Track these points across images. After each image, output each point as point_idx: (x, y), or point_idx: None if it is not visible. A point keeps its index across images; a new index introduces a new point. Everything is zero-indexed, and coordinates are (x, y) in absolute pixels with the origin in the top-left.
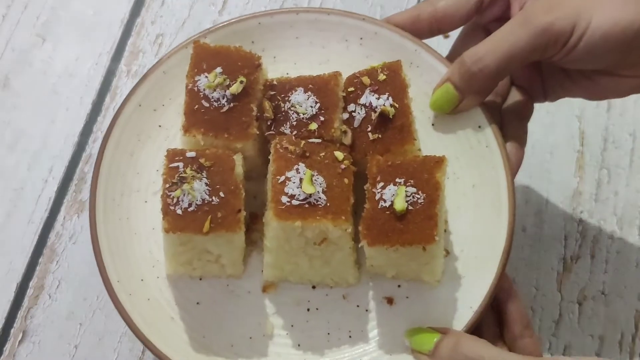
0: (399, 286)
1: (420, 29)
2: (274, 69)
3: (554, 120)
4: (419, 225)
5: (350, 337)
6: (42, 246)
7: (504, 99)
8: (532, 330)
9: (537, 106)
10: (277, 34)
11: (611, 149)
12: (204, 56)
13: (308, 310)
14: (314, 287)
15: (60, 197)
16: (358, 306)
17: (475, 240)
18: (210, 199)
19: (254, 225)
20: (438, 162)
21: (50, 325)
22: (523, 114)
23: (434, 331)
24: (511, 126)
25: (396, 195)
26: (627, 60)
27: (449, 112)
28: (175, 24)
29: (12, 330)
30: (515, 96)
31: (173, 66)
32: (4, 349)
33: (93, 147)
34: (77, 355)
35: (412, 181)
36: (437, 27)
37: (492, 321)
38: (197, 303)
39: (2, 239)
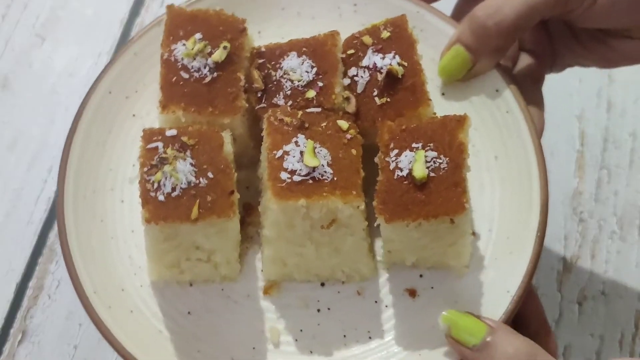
0: (420, 276)
1: None
2: (250, 35)
3: (554, 120)
4: (444, 194)
5: (370, 337)
6: (41, 246)
7: (514, 64)
8: (549, 327)
9: None
10: (261, 5)
11: (611, 149)
12: (180, 22)
13: (318, 311)
14: (322, 284)
15: None
16: (376, 302)
17: (504, 218)
18: (197, 181)
19: (248, 218)
20: (460, 121)
21: (49, 326)
22: (537, 77)
23: (480, 319)
24: (527, 90)
25: (414, 162)
26: None
27: (461, 79)
28: None
29: (11, 331)
30: (525, 60)
31: (145, 47)
32: (4, 349)
33: None
34: (77, 355)
35: (431, 145)
36: None
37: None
38: (189, 313)
39: (1, 239)
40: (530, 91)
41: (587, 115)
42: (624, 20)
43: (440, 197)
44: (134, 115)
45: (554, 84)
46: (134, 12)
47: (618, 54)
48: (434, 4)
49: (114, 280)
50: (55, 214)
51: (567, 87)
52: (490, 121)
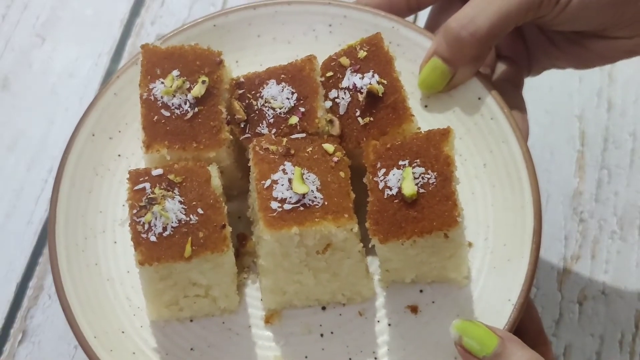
0: (420, 291)
1: (397, 6)
2: (238, 74)
3: (554, 120)
4: (436, 209)
5: (376, 358)
6: (41, 246)
7: (492, 71)
8: (546, 337)
9: (537, 106)
10: (236, 34)
11: (611, 149)
12: (156, 60)
13: (322, 336)
14: (323, 308)
15: None
16: (379, 321)
17: (499, 225)
18: (188, 219)
19: (242, 248)
20: (444, 134)
21: (49, 326)
22: (516, 82)
23: (491, 330)
24: (508, 96)
25: (403, 179)
26: (622, 17)
27: (442, 90)
28: (175, 24)
29: (11, 331)
30: (502, 67)
31: (124, 86)
32: (4, 349)
33: None
34: (77, 355)
35: (418, 161)
36: (415, 1)
37: None
38: (191, 349)
39: (1, 239)
40: (511, 96)
41: (587, 115)
42: (595, 21)
43: (432, 212)
44: (119, 155)
45: (554, 84)
46: (134, 12)
47: (593, 53)
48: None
49: (114, 323)
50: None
51: (567, 87)
52: (475, 129)
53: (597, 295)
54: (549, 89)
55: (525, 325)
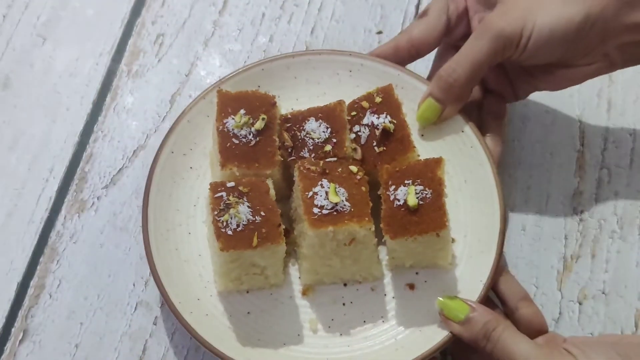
0: (417, 273)
1: (402, 56)
2: (279, 105)
3: (554, 120)
4: (431, 216)
5: (383, 321)
6: (42, 245)
7: (480, 104)
8: (531, 301)
9: (537, 106)
10: (278, 76)
11: (611, 148)
12: (228, 101)
13: (344, 304)
14: (345, 284)
15: (61, 196)
16: (385, 295)
17: (475, 226)
18: (254, 219)
19: (287, 239)
20: (438, 162)
21: (50, 325)
22: (499, 114)
23: (465, 303)
24: (489, 126)
25: (408, 194)
26: (575, 51)
27: (434, 123)
28: (175, 24)
29: (12, 330)
30: (489, 99)
31: (195, 115)
32: (5, 348)
33: (94, 147)
34: (78, 354)
35: (418, 181)
36: (415, 52)
37: (495, 304)
38: (248, 313)
39: (2, 238)
40: (492, 126)
41: (587, 115)
42: (553, 55)
43: (429, 218)
44: (190, 167)
45: None
46: (135, 12)
47: (563, 79)
48: (410, 66)
49: (191, 293)
50: (56, 213)
51: (568, 88)
52: (459, 154)
53: (597, 294)
54: None
55: (504, 294)
